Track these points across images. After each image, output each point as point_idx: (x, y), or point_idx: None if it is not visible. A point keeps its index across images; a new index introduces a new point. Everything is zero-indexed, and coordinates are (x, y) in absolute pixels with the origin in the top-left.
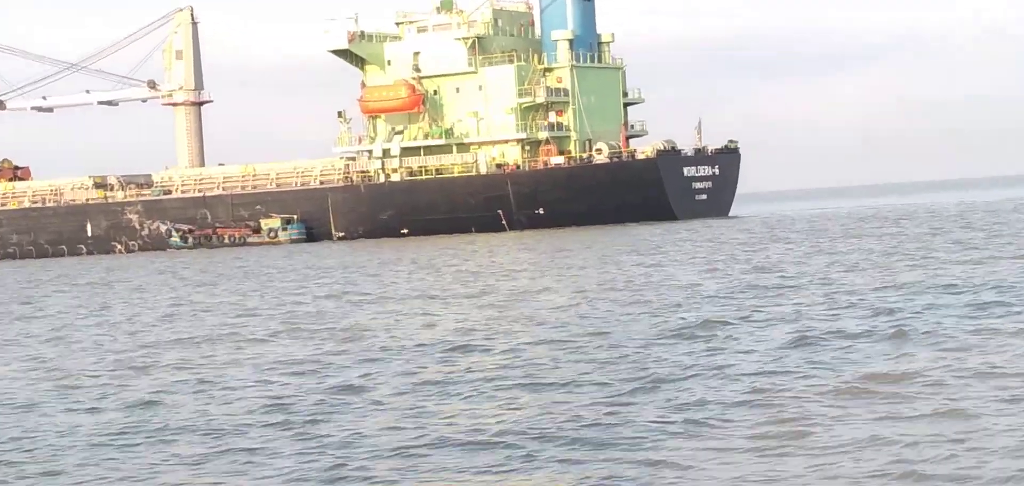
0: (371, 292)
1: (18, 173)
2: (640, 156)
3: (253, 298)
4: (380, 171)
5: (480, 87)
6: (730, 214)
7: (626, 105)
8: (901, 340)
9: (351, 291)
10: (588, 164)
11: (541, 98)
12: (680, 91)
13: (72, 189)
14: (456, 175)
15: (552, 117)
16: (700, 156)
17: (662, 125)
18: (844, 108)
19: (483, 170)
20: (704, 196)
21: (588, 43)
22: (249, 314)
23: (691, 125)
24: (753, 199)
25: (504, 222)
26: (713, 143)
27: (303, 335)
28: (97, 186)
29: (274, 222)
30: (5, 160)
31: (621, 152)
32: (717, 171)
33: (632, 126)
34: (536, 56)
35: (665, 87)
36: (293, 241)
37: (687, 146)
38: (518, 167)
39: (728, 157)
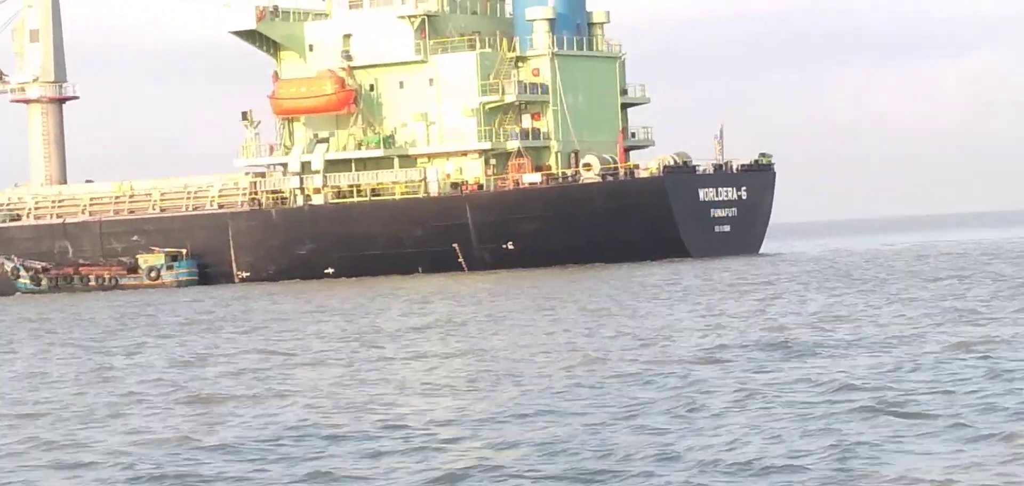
0: (237, 367)
1: None
2: (642, 173)
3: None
4: (298, 191)
5: (431, 81)
6: (761, 251)
7: (625, 106)
8: None
9: (211, 361)
10: (573, 184)
11: (512, 96)
12: (700, 88)
13: None
14: (398, 197)
15: (526, 122)
16: (722, 174)
17: (674, 134)
18: (937, 106)
19: (434, 191)
20: (727, 227)
21: (574, 24)
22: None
23: (711, 133)
24: (793, 231)
25: (461, 260)
26: (739, 157)
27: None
28: None
29: (156, 258)
30: None
31: (617, 168)
32: (744, 194)
33: (633, 134)
34: (506, 41)
35: (679, 83)
36: (181, 283)
37: (705, 161)
38: (480, 187)
39: (759, 176)
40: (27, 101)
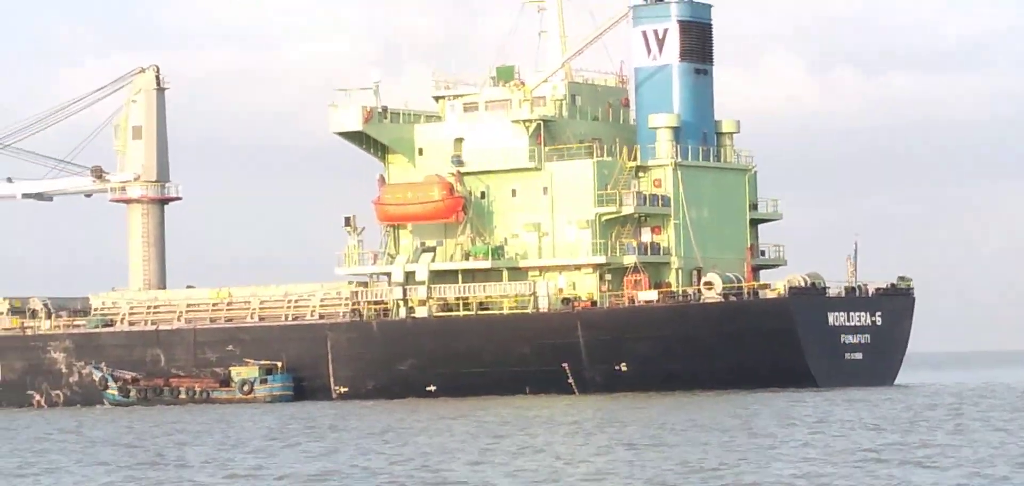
0: None
1: None
2: (768, 294)
3: None
4: (401, 303)
5: (545, 190)
6: (896, 381)
7: (754, 222)
8: None
9: None
10: (693, 303)
11: (630, 208)
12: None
13: None
14: (506, 312)
15: (645, 235)
16: (854, 297)
17: (809, 252)
18: None
19: (544, 307)
20: (859, 354)
21: (701, 133)
22: None
23: (845, 253)
24: (931, 361)
25: (571, 381)
26: (875, 279)
27: None
28: (13, 312)
29: (250, 371)
30: None
31: (741, 287)
32: (879, 320)
33: (763, 252)
34: (626, 149)
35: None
36: (275, 398)
37: (837, 283)
38: (594, 303)
39: (896, 300)
40: (127, 201)
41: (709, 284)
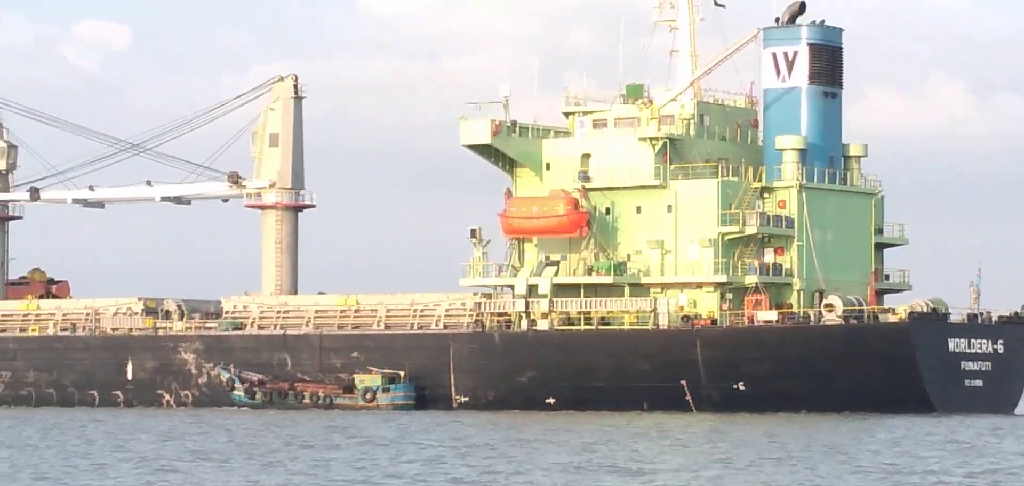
0: None
1: (53, 289)
2: (888, 319)
3: None
4: (523, 315)
5: (669, 207)
6: (1016, 410)
7: (879, 246)
8: None
9: None
10: (812, 324)
11: (754, 228)
12: (964, 229)
13: (114, 314)
14: (626, 328)
15: (768, 256)
16: (976, 325)
17: (934, 278)
18: None
19: (664, 323)
20: (979, 382)
21: (828, 157)
22: None
23: (969, 279)
24: None
25: (689, 398)
26: (1000, 307)
27: None
28: (148, 312)
29: (373, 379)
30: (36, 270)
31: (862, 311)
32: (1000, 348)
33: (887, 276)
34: (751, 169)
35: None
36: (396, 406)
37: (960, 309)
38: (714, 322)
39: (1020, 329)
40: (262, 207)
41: (830, 306)
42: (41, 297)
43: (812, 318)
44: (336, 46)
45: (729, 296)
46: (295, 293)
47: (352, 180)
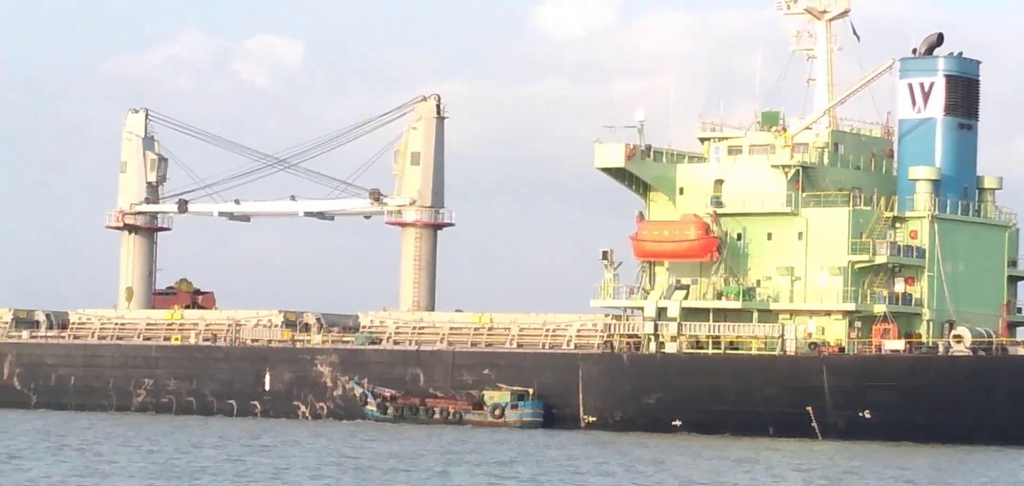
0: None
1: (199, 299)
2: (1019, 351)
3: None
4: (652, 337)
5: (800, 234)
6: None
7: (1012, 279)
8: None
9: None
10: (940, 355)
11: (884, 257)
12: None
13: (255, 325)
14: (754, 353)
15: (898, 285)
16: None
17: None
18: None
19: (791, 349)
20: None
21: (961, 188)
22: None
23: None
24: None
25: (814, 424)
26: None
27: None
28: (287, 324)
29: (501, 396)
30: (183, 281)
31: (991, 342)
32: None
33: (1019, 310)
34: (883, 199)
35: None
36: (524, 424)
37: None
38: (841, 349)
39: None
40: (402, 224)
41: (958, 337)
42: (187, 307)
43: (940, 348)
44: (504, 66)
45: (857, 324)
46: (432, 309)
47: (487, 197)
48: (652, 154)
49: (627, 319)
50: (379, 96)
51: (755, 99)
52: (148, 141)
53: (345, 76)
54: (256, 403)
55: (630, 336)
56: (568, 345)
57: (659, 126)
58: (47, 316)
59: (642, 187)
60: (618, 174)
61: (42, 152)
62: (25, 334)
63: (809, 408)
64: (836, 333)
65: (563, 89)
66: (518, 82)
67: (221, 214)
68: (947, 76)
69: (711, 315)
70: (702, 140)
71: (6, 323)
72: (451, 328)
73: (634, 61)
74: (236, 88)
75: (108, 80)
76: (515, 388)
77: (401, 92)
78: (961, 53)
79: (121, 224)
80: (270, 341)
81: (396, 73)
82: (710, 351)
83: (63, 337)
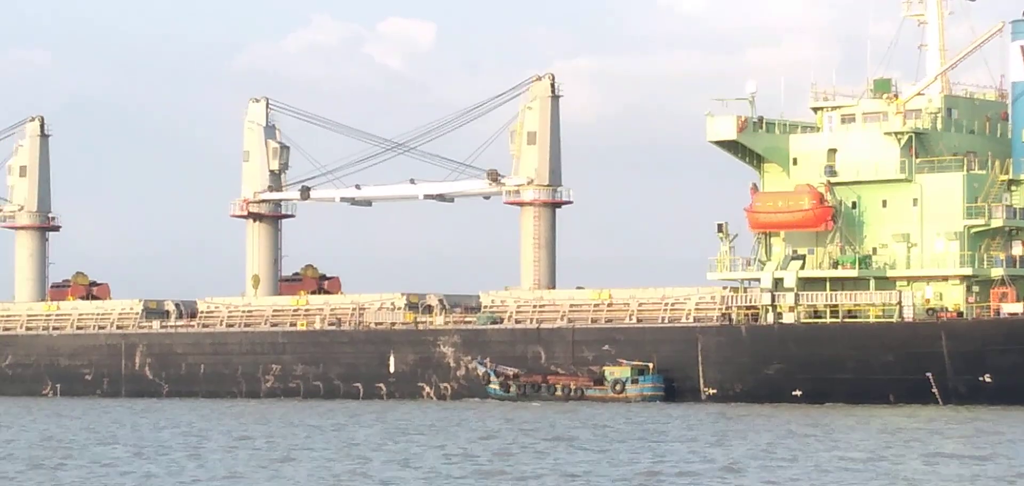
0: None
1: (325, 284)
2: None
3: None
4: (770, 308)
5: (915, 201)
6: None
7: None
8: None
9: None
10: None
11: (1000, 220)
12: None
13: (378, 308)
14: (871, 321)
15: (1015, 248)
16: None
17: None
18: None
19: (909, 316)
20: None
21: None
22: None
23: None
24: None
25: (935, 390)
26: None
27: None
28: (410, 307)
29: (622, 371)
30: (308, 267)
31: None
32: None
33: None
34: (998, 163)
35: None
36: (645, 398)
37: None
38: (960, 314)
39: None
40: (520, 204)
41: None
42: (313, 293)
43: None
44: (634, 41)
45: (975, 289)
46: (552, 287)
47: (603, 173)
48: (764, 125)
49: (744, 291)
50: (508, 76)
51: (868, 67)
52: (269, 130)
53: (476, 56)
54: (381, 385)
55: (748, 308)
56: (687, 318)
57: (771, 97)
58: (176, 306)
59: (755, 159)
60: (730, 147)
61: (169, 144)
62: (155, 324)
63: (929, 374)
64: (954, 298)
65: (677, 63)
66: (635, 55)
67: (342, 200)
68: None
69: (828, 284)
70: (815, 110)
71: (137, 314)
72: (571, 305)
73: (748, 34)
74: (368, 72)
75: (237, 68)
76: (635, 363)
77: (532, 69)
78: None
79: (245, 212)
80: (393, 324)
81: (525, 52)
82: (828, 320)
83: (192, 326)
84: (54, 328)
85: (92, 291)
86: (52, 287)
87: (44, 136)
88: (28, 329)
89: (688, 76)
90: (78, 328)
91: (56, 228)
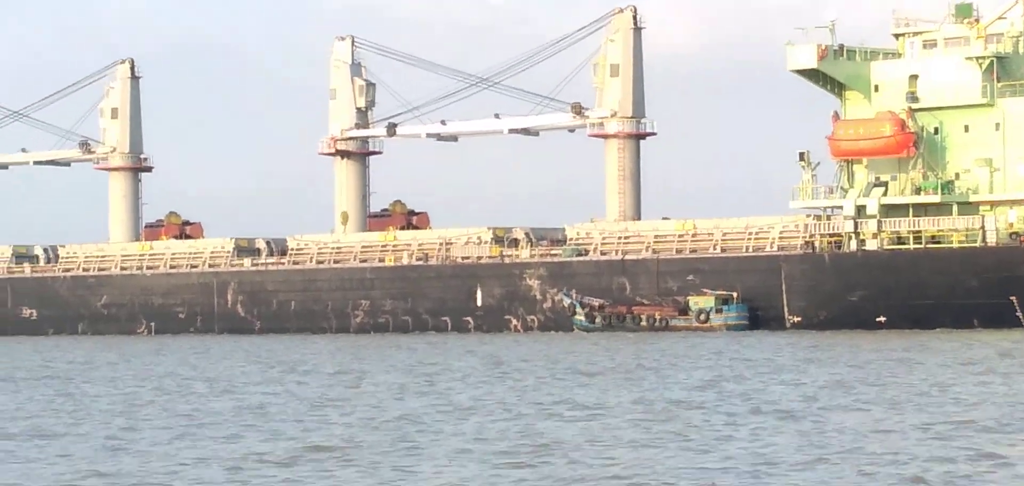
0: None
1: (413, 220)
2: None
3: None
4: (853, 235)
5: (997, 125)
6: None
7: None
8: None
9: None
10: None
11: None
12: None
13: (465, 243)
14: (955, 246)
15: None
16: None
17: None
18: None
19: (992, 240)
20: None
21: None
22: None
23: None
24: None
25: (1020, 313)
26: None
27: None
28: (496, 240)
29: (706, 300)
30: (397, 203)
31: None
32: None
33: None
34: None
35: None
36: (730, 327)
37: None
38: None
39: None
40: (604, 136)
41: None
42: (401, 228)
43: None
44: None
45: None
46: (637, 219)
47: (686, 103)
48: (845, 53)
49: (827, 219)
50: (592, 8)
51: None
52: (355, 67)
53: None
54: (469, 319)
55: (831, 235)
56: (771, 247)
57: (852, 25)
58: (267, 243)
59: (836, 87)
60: (811, 75)
61: (259, 82)
62: (247, 262)
63: (1013, 298)
64: None
65: None
66: None
67: (428, 136)
68: None
69: (910, 210)
70: (896, 36)
71: (228, 252)
72: (656, 236)
73: None
74: (454, 7)
75: (326, 5)
76: (719, 292)
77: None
78: None
79: (333, 150)
80: (480, 258)
81: None
82: (911, 246)
83: (282, 263)
84: (148, 268)
85: (185, 230)
86: (146, 227)
87: (135, 78)
88: (122, 269)
89: (769, 4)
90: (171, 267)
91: (148, 169)
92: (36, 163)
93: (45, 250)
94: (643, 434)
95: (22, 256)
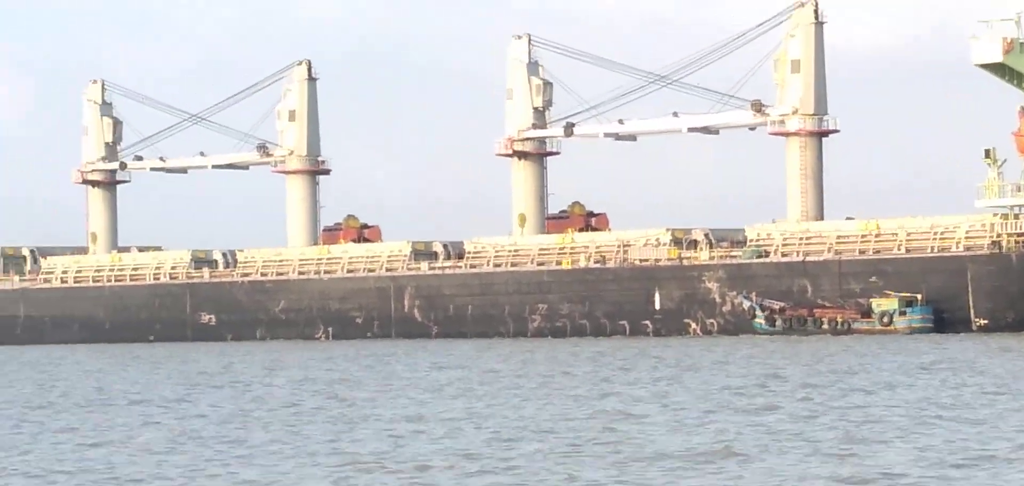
0: None
1: (592, 222)
2: None
3: None
4: None
5: None
6: None
7: None
8: None
9: None
10: None
11: None
12: None
13: (643, 245)
14: None
15: None
16: None
17: None
18: None
19: None
20: None
21: None
22: None
23: None
24: None
25: None
26: None
27: None
28: (674, 242)
29: (889, 303)
30: (576, 204)
31: None
32: None
33: None
34: None
35: None
36: (913, 330)
37: None
38: None
39: None
40: (786, 134)
41: None
42: (580, 230)
43: None
44: None
45: None
46: (820, 219)
47: (871, 101)
48: None
49: (1015, 217)
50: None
51: None
52: (532, 66)
53: None
54: (647, 323)
55: (1019, 235)
56: (957, 247)
57: None
58: (444, 247)
59: (1022, 81)
60: (996, 69)
61: (435, 84)
62: (424, 266)
63: None
64: None
65: None
66: None
67: (606, 135)
68: None
69: None
70: None
71: (405, 256)
72: (838, 237)
73: None
74: (629, 3)
75: (503, 3)
76: (903, 294)
77: None
78: None
79: (510, 151)
80: (658, 260)
81: None
82: None
83: (459, 267)
84: (325, 272)
85: (363, 234)
86: (324, 231)
87: (312, 80)
88: (300, 274)
89: None
90: (348, 271)
91: (326, 171)
92: (214, 167)
93: (224, 255)
94: None
95: (201, 261)
